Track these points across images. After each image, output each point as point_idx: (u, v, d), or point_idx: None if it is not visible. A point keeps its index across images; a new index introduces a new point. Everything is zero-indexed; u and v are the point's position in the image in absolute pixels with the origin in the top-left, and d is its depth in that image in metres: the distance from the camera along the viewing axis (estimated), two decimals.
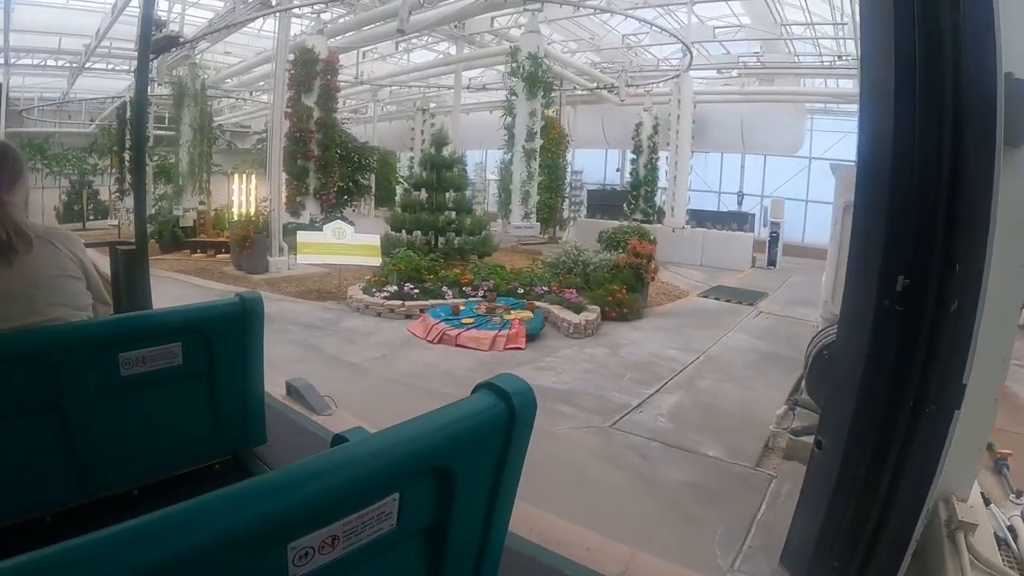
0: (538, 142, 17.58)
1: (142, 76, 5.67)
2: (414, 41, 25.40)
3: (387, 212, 27.24)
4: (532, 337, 11.10)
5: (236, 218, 20.80)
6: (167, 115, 26.64)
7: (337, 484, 1.44)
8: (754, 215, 24.22)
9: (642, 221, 23.20)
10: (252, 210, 21.22)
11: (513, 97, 17.58)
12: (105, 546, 1.13)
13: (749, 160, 28.51)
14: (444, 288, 13.38)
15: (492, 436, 1.77)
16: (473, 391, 1.84)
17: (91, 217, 30.29)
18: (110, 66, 27.00)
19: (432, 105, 31.20)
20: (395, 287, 13.07)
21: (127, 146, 23.92)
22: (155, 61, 21.78)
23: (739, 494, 5.68)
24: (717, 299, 16.01)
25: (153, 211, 22.94)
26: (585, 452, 6.51)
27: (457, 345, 10.62)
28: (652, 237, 17.51)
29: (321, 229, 14.71)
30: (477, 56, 22.66)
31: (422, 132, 27.66)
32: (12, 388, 2.77)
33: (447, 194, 18.78)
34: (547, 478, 5.70)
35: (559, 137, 23.38)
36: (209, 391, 3.41)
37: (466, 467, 1.71)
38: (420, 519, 1.68)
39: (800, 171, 27.06)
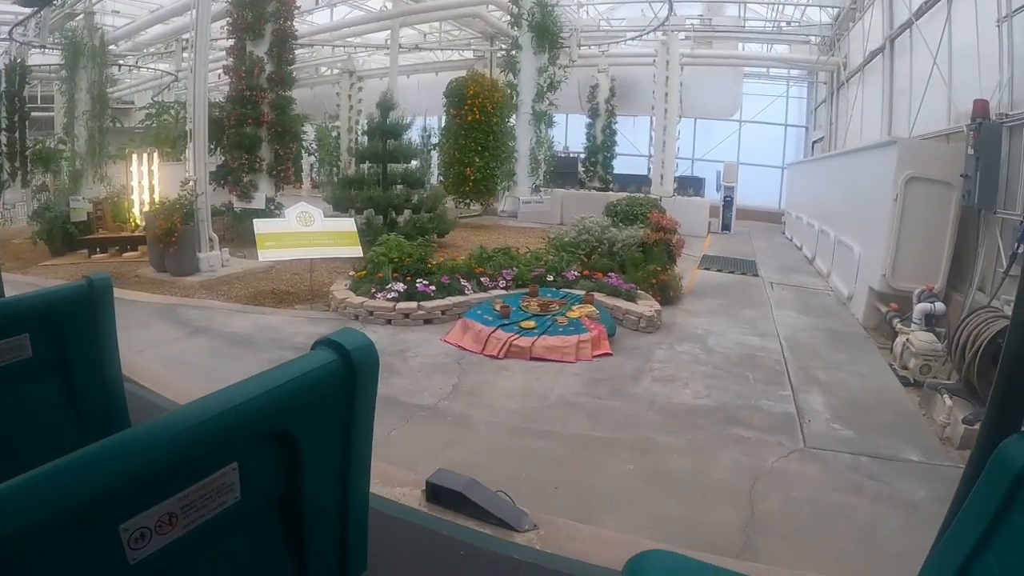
0: (546, 103, 14.15)
1: None
2: None
3: (294, 189, 23.26)
4: (609, 337, 8.35)
5: (151, 207, 16.42)
6: (39, 93, 21.42)
7: (164, 456, 1.23)
8: (704, 180, 22.03)
9: (600, 189, 20.77)
10: (157, 196, 16.90)
11: (516, 51, 14.04)
12: None
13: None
14: (463, 282, 10.01)
15: (333, 396, 1.56)
16: (312, 347, 1.61)
17: None
18: None
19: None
20: (402, 284, 9.58)
21: (3, 126, 18.89)
22: (35, 19, 17.01)
23: None
24: (720, 271, 14.22)
25: (36, 206, 18.20)
26: (826, 488, 5.18)
27: (532, 359, 7.61)
28: (664, 208, 14.68)
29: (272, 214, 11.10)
30: (421, 9, 18.89)
31: (349, 98, 23.44)
32: None
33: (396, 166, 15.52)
34: (836, 547, 4.44)
35: (502, 101, 20.06)
36: (66, 382, 2.84)
37: (309, 430, 1.51)
38: (268, 490, 1.49)
39: (731, 134, 25.70)
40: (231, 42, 14.00)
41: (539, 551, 3.50)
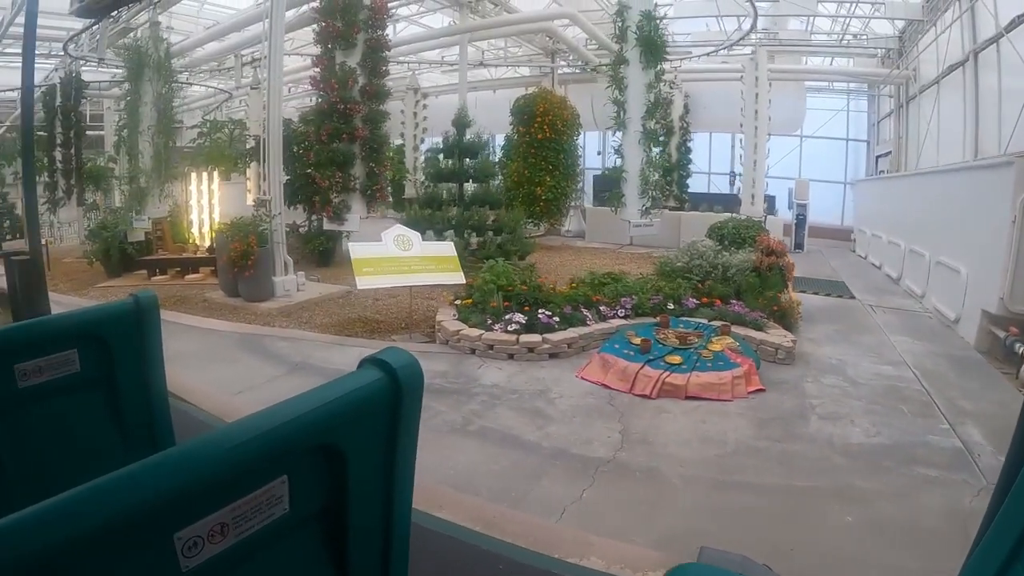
0: (655, 122, 13.56)
1: (28, 72, 4.90)
2: (401, 11, 20.96)
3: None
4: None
5: (212, 227, 16.09)
6: (88, 111, 21.10)
7: (218, 468, 1.29)
8: (775, 197, 21.47)
9: (675, 208, 20.30)
10: (217, 216, 16.58)
11: (623, 66, 13.40)
12: None
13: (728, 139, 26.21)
14: (585, 311, 9.50)
15: (379, 411, 1.61)
16: (359, 366, 1.65)
17: (7, 236, 24.10)
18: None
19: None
20: (521, 315, 9.03)
21: (59, 142, 18.58)
22: (88, 33, 16.70)
23: None
24: (816, 293, 13.75)
25: (91, 225, 17.87)
26: None
27: (687, 397, 7.14)
28: (768, 230, 14.25)
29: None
30: (491, 25, 18.57)
31: (415, 115, 23.07)
32: None
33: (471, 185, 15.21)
34: None
35: (571, 119, 19.64)
36: (111, 397, 2.95)
37: (355, 445, 1.55)
38: (314, 502, 1.54)
39: (793, 150, 25.12)
40: (317, 53, 13.64)
41: None
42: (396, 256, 10.05)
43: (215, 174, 17.36)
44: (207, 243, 16.71)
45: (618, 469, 5.62)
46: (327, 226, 13.64)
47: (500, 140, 23.65)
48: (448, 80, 27.05)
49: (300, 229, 16.33)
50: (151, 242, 16.57)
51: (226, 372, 8.37)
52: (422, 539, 1.91)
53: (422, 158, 21.14)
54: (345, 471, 1.53)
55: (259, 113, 18.67)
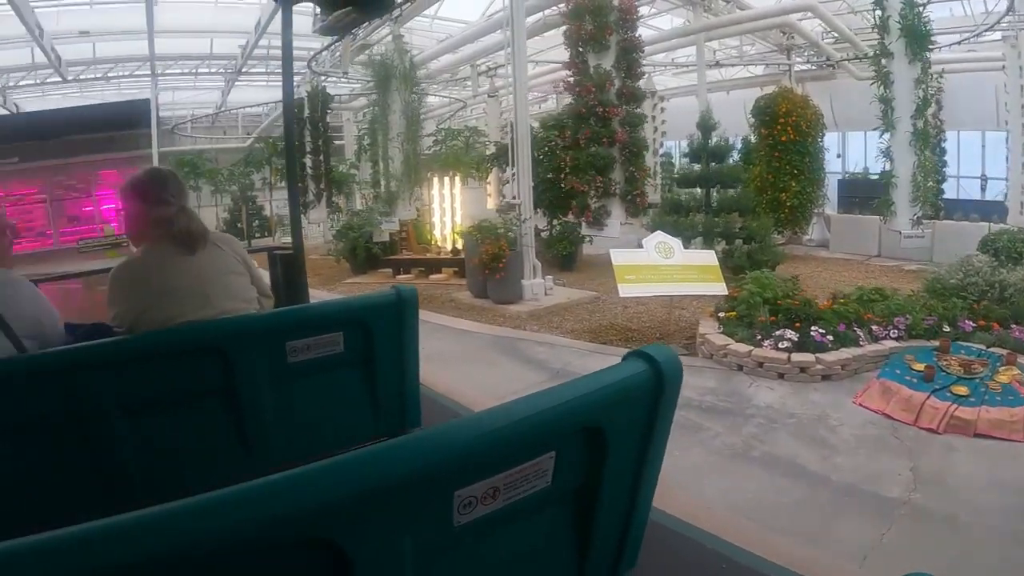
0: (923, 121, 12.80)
1: (288, 86, 5.35)
2: None
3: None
4: None
5: (453, 230, 17.03)
6: (329, 123, 22.87)
7: (497, 439, 1.48)
8: None
9: (930, 217, 19.28)
10: (459, 219, 17.45)
11: (886, 60, 12.80)
12: (271, 489, 1.25)
13: (976, 138, 23.77)
14: (857, 330, 9.19)
15: (641, 399, 1.77)
16: (624, 358, 1.84)
17: (256, 235, 26.53)
18: (269, 69, 23.94)
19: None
20: (792, 332, 8.85)
21: (308, 150, 20.26)
22: (334, 47, 18.09)
23: None
24: None
25: (337, 226, 19.38)
26: None
27: (976, 435, 6.76)
28: None
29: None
30: (728, 22, 18.57)
31: (653, 119, 23.28)
32: (192, 375, 3.00)
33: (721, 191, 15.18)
34: None
35: (815, 119, 19.02)
36: (368, 377, 3.48)
37: (616, 428, 1.72)
38: (573, 479, 1.72)
39: None
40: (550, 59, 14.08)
41: None
42: (657, 264, 10.25)
43: (456, 179, 18.28)
44: (449, 245, 17.66)
45: (915, 513, 5.40)
46: (586, 231, 14.06)
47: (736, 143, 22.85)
48: (678, 82, 26.94)
49: (541, 233, 16.91)
50: (395, 242, 17.73)
51: (486, 375, 8.87)
52: (651, 529, 2.12)
53: (659, 163, 21.21)
54: (605, 452, 1.70)
55: (497, 120, 19.66)
